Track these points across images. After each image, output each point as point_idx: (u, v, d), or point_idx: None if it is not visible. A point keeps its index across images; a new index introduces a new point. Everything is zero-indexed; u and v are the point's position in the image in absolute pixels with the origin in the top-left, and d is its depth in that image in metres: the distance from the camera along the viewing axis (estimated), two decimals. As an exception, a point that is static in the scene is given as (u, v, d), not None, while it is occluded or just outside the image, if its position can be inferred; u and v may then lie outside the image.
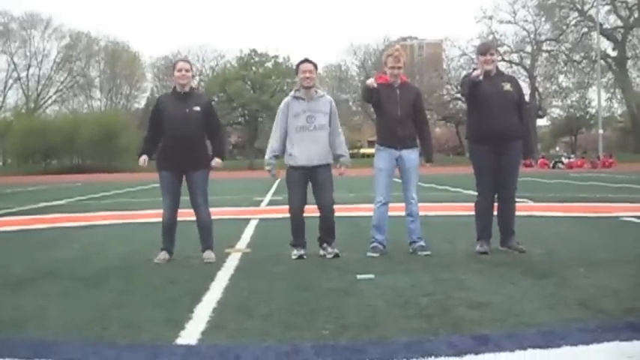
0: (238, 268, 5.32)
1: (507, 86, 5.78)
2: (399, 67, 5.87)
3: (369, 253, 5.77)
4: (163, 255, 5.75)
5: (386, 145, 5.92)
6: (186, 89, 5.78)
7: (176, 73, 5.76)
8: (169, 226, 5.85)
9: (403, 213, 5.98)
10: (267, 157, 5.94)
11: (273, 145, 5.89)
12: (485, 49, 5.93)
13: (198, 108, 5.73)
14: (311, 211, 5.93)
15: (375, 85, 5.70)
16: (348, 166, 6.06)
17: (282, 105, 5.93)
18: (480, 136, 5.80)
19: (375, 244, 5.85)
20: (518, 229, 5.94)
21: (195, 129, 5.70)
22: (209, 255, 5.75)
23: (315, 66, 5.92)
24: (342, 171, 6.03)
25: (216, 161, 5.88)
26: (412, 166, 5.93)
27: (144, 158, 5.87)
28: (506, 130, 5.69)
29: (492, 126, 5.66)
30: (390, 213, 6.04)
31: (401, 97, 5.88)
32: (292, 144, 5.81)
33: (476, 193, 5.98)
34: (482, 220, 5.87)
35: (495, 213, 5.89)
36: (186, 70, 5.77)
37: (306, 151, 5.75)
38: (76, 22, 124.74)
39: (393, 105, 5.84)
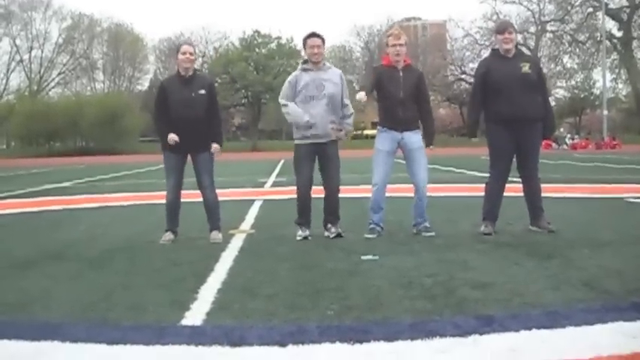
0: (242, 249, 5.33)
1: (526, 67, 5.69)
2: (401, 45, 5.79)
3: (366, 235, 5.76)
4: (169, 235, 5.79)
5: (387, 127, 5.89)
6: (190, 73, 5.78)
7: (180, 57, 5.75)
8: (173, 206, 5.89)
9: (405, 194, 5.97)
10: (298, 117, 5.72)
11: (288, 105, 5.78)
12: (503, 27, 5.85)
13: (203, 91, 5.76)
14: (316, 192, 5.92)
15: (365, 99, 5.61)
16: (346, 133, 5.96)
17: (290, 77, 5.86)
18: (499, 119, 5.72)
19: (372, 225, 5.84)
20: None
21: (200, 112, 5.71)
22: (216, 236, 5.78)
23: (323, 40, 5.85)
24: (338, 130, 5.82)
25: (214, 147, 5.82)
26: (417, 147, 5.87)
27: (171, 136, 5.66)
28: (526, 112, 5.63)
29: (512, 109, 5.60)
30: (392, 194, 6.04)
31: (404, 79, 5.82)
32: (304, 112, 5.71)
33: (487, 175, 5.96)
34: (490, 202, 5.84)
35: (522, 194, 5.89)
36: (190, 54, 5.78)
37: (318, 117, 5.68)
38: (76, 3, 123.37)
39: (395, 87, 5.80)
